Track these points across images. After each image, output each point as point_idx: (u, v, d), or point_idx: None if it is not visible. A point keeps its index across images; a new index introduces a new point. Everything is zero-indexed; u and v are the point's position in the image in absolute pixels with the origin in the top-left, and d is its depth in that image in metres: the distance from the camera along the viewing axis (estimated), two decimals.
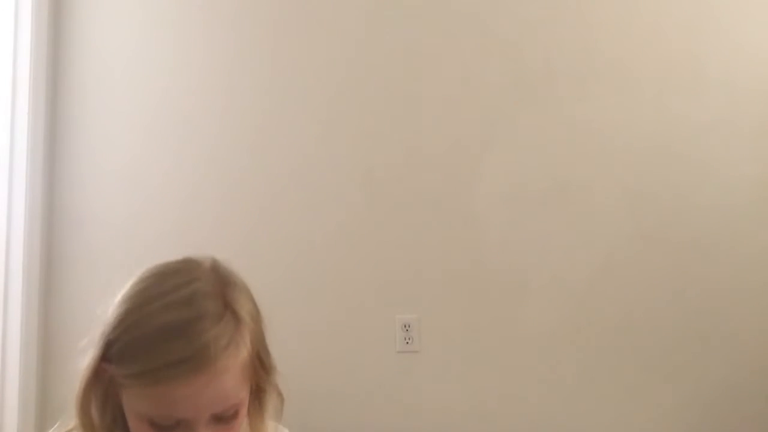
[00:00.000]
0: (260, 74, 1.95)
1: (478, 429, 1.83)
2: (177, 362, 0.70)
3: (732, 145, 1.90)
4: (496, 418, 1.83)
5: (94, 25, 2.00)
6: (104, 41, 1.99)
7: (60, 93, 1.97)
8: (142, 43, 1.99)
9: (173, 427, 0.72)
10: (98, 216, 1.92)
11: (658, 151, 1.90)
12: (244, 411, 0.78)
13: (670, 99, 1.91)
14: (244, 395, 0.77)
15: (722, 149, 1.90)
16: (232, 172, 1.92)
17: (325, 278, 1.88)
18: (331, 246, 1.89)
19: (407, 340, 1.85)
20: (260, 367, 0.79)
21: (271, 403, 0.83)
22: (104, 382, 0.76)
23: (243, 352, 0.75)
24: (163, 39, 1.99)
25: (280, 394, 0.85)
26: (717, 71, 1.92)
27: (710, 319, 1.85)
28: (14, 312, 1.82)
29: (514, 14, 1.95)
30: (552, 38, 1.94)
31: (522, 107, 1.92)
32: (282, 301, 1.78)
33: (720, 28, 1.94)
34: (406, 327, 1.86)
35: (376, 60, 1.95)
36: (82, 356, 0.77)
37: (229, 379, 0.73)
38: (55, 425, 0.86)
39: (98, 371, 0.75)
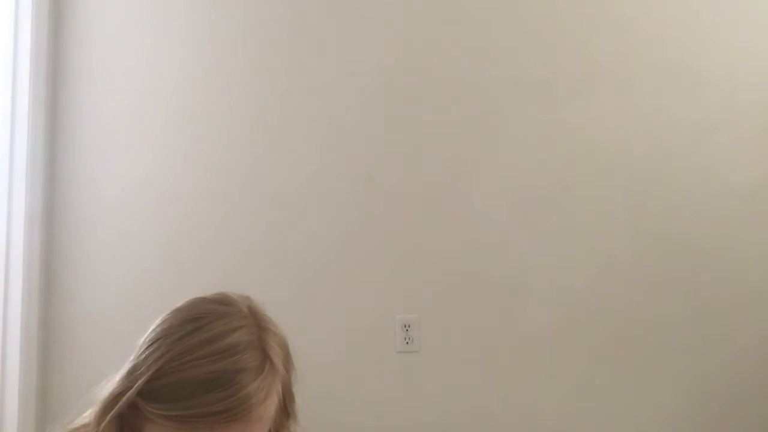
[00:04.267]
0: (261, 77, 1.95)
1: (478, 429, 1.83)
2: (216, 413, 0.72)
3: (732, 147, 1.90)
4: (496, 418, 1.83)
5: (94, 25, 2.00)
6: (104, 41, 1.99)
7: (60, 93, 1.97)
8: (142, 43, 1.99)
9: None
10: (98, 217, 1.92)
11: (657, 152, 1.90)
12: None
13: (670, 100, 1.91)
14: None
15: (722, 150, 1.90)
16: (233, 172, 1.92)
17: (325, 278, 1.88)
18: (332, 246, 1.89)
19: (407, 340, 1.85)
20: (283, 414, 0.82)
21: None
22: (127, 411, 0.76)
23: (275, 400, 0.78)
24: (163, 39, 1.99)
25: None
26: (717, 73, 1.92)
27: (710, 319, 1.85)
28: (14, 312, 1.82)
29: (514, 15, 1.95)
30: (552, 39, 1.94)
31: (522, 108, 1.92)
32: (282, 301, 1.77)
33: (720, 30, 1.94)
34: (406, 327, 1.86)
35: (376, 61, 1.95)
36: (106, 382, 0.78)
37: (260, 428, 0.77)
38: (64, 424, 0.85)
39: (126, 401, 0.75)
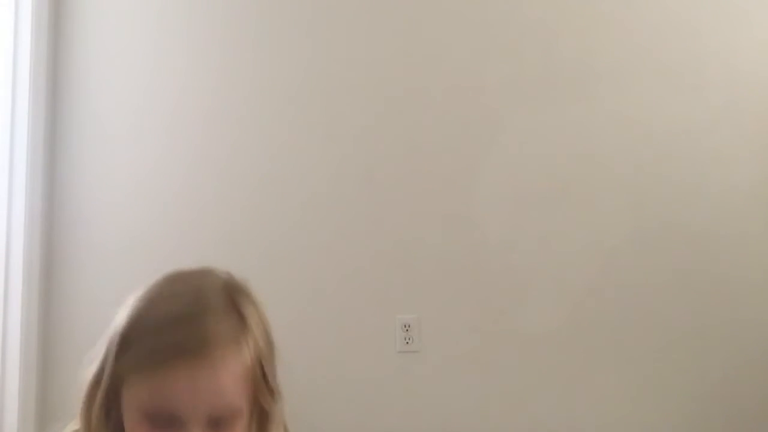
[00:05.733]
0: (261, 78, 1.95)
1: (478, 429, 1.83)
2: (177, 347, 0.71)
3: (732, 145, 1.90)
4: (496, 418, 1.83)
5: (94, 25, 2.00)
6: (104, 41, 1.99)
7: (60, 93, 1.97)
8: (142, 42, 1.99)
9: (169, 426, 0.72)
10: (98, 216, 1.92)
11: (657, 151, 1.90)
12: (241, 424, 0.76)
13: (670, 99, 1.91)
14: (240, 404, 0.76)
15: (723, 149, 1.90)
16: (232, 172, 1.92)
17: (325, 278, 1.88)
18: (332, 246, 1.89)
19: (407, 340, 1.85)
20: (264, 386, 0.79)
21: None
22: (109, 390, 0.76)
23: (245, 353, 0.75)
24: (164, 40, 1.99)
25: (286, 429, 0.84)
26: (717, 71, 1.92)
27: (711, 318, 1.85)
28: (14, 312, 1.82)
29: (515, 14, 1.95)
30: (552, 38, 1.94)
31: (522, 107, 1.92)
32: (282, 301, 1.78)
33: (720, 28, 1.94)
34: (406, 327, 1.86)
35: (376, 60, 1.95)
36: (88, 365, 0.78)
37: (227, 375, 0.73)
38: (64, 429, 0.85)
39: (106, 377, 0.76)
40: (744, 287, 1.86)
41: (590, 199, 1.89)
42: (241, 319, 0.77)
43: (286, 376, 0.86)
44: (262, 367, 0.78)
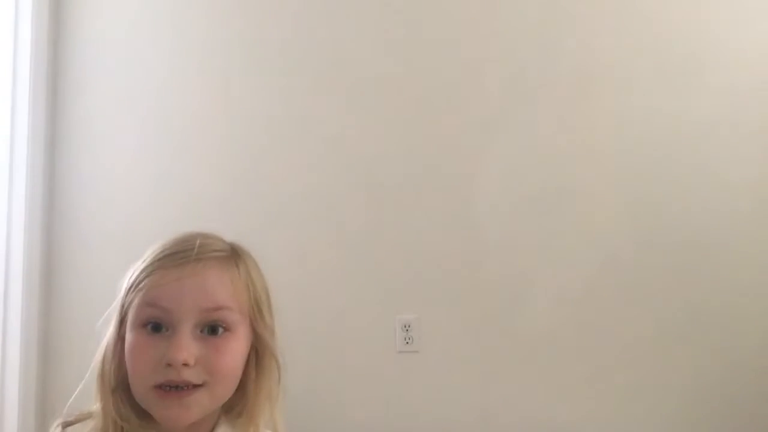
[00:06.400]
0: (261, 78, 1.95)
1: (478, 429, 1.83)
2: (169, 257, 0.78)
3: (732, 147, 1.90)
4: (496, 418, 1.83)
5: (94, 24, 2.00)
6: (104, 41, 1.99)
7: (60, 93, 1.97)
8: (143, 42, 1.99)
9: (161, 331, 0.75)
10: (98, 217, 1.92)
11: (657, 151, 1.90)
12: (233, 337, 0.79)
13: (669, 100, 1.91)
14: (231, 308, 0.79)
15: (722, 150, 1.90)
16: (233, 174, 1.92)
17: (325, 278, 1.88)
18: (332, 246, 1.89)
19: (407, 340, 1.85)
20: (259, 318, 0.83)
21: (271, 369, 0.84)
22: (119, 360, 0.78)
23: (234, 273, 0.81)
24: (164, 39, 1.99)
25: (278, 363, 0.85)
26: (716, 72, 1.92)
27: (710, 320, 1.85)
28: (14, 312, 1.82)
29: (514, 15, 1.95)
30: (551, 40, 1.94)
31: (522, 109, 1.92)
32: (282, 301, 1.77)
33: (720, 29, 1.94)
34: (406, 327, 1.86)
35: (376, 62, 1.95)
36: (103, 329, 0.82)
37: (213, 277, 0.78)
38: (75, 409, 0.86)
39: (114, 343, 0.79)
40: (743, 287, 1.85)
41: (590, 199, 1.89)
42: (235, 252, 0.84)
43: (286, 375, 0.87)
44: (256, 301, 0.83)
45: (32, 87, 1.90)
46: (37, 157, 1.90)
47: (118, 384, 0.78)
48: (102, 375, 0.79)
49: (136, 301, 0.77)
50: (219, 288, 0.78)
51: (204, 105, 1.95)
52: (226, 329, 0.78)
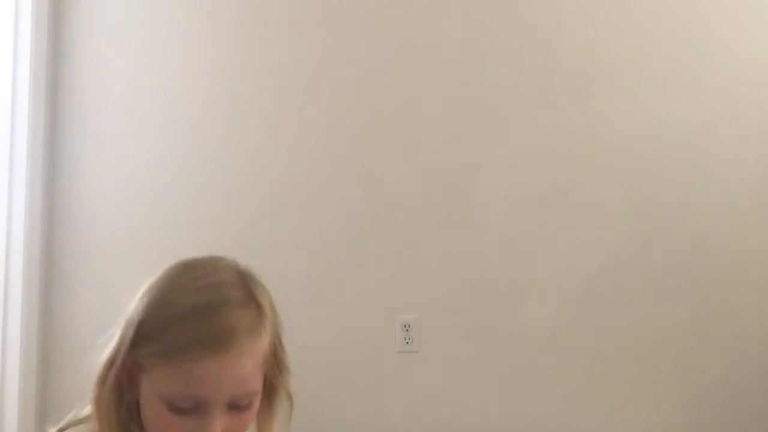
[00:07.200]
0: (260, 76, 1.95)
1: (478, 429, 1.83)
2: (204, 340, 0.74)
3: (731, 147, 1.89)
4: (496, 418, 1.83)
5: (94, 24, 2.00)
6: (104, 41, 1.99)
7: (60, 93, 1.97)
8: (142, 43, 1.99)
9: (191, 411, 0.74)
10: (98, 216, 1.92)
11: (657, 151, 1.90)
12: (257, 404, 0.80)
13: (669, 100, 1.91)
14: (259, 386, 0.79)
15: (721, 150, 1.89)
16: (233, 173, 1.92)
17: (325, 278, 1.88)
18: (332, 246, 1.89)
19: (407, 340, 1.85)
20: (275, 363, 0.83)
21: (281, 405, 0.85)
22: (123, 373, 0.77)
23: (264, 340, 0.79)
24: (164, 39, 1.99)
25: (290, 398, 0.86)
26: (716, 72, 1.92)
27: (710, 319, 1.85)
28: (14, 312, 1.82)
29: (515, 16, 1.95)
30: (552, 40, 1.94)
31: (522, 109, 1.92)
32: (282, 301, 1.77)
33: (719, 30, 1.94)
34: (406, 327, 1.86)
35: (376, 62, 1.95)
36: (101, 349, 0.79)
37: (250, 362, 0.77)
38: (71, 414, 0.86)
39: (122, 359, 0.77)
40: (744, 287, 1.86)
41: (590, 199, 1.89)
42: (258, 306, 0.80)
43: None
44: (275, 348, 0.83)
45: (32, 87, 1.90)
46: (37, 157, 1.90)
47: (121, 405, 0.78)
48: (101, 392, 0.78)
49: (164, 377, 0.74)
50: (253, 372, 0.78)
51: (204, 105, 1.95)
52: (253, 400, 0.79)
